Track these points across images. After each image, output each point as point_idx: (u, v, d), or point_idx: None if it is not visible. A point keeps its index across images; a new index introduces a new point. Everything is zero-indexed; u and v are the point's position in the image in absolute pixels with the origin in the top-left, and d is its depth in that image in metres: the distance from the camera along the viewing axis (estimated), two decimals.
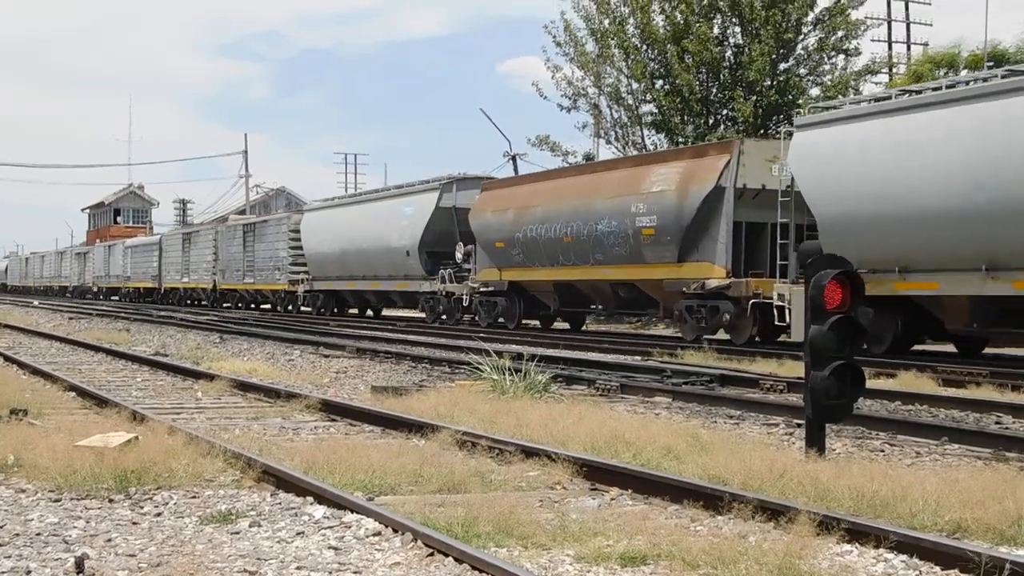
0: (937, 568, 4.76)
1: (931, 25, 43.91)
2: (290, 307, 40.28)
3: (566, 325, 28.93)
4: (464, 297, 28.85)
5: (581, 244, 23.70)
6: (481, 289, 28.13)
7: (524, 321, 28.83)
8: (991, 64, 29.87)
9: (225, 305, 46.92)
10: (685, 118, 34.52)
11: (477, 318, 28.69)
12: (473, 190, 29.71)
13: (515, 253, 26.17)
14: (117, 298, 63.59)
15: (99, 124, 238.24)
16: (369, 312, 38.29)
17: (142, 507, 6.00)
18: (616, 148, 37.02)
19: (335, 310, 37.36)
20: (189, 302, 52.10)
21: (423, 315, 32.26)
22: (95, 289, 69.26)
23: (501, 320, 27.66)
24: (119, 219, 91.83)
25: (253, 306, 45.57)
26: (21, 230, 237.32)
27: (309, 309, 38.27)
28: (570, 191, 24.50)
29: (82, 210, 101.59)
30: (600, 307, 26.71)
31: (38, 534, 5.38)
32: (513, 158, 40.65)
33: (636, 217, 21.93)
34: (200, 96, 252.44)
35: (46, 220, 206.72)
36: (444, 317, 30.22)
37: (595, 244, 23.24)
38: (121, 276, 63.44)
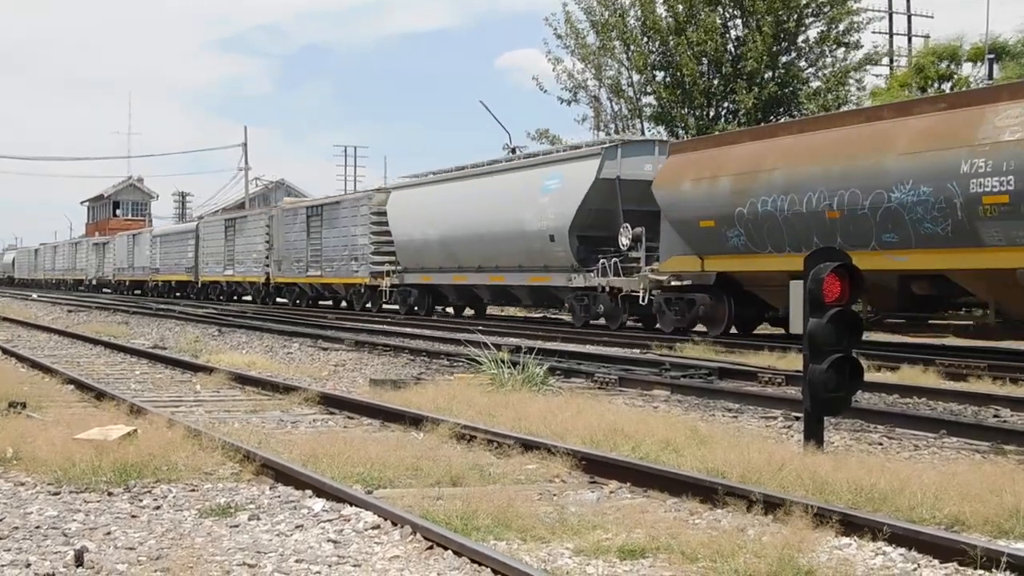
0: (936, 561, 4.77)
1: (932, 17, 44.00)
2: (369, 304, 33.63)
3: (774, 330, 21.53)
4: (640, 294, 22.00)
5: (858, 221, 16.82)
6: (672, 283, 21.33)
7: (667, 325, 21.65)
8: (992, 56, 29.87)
9: (280, 301, 40.75)
10: (687, 110, 34.51)
11: (659, 322, 22.01)
12: (643, 156, 23.72)
13: (732, 235, 19.42)
14: (140, 292, 57.93)
15: (99, 120, 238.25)
16: (469, 312, 32.37)
17: (141, 500, 6.00)
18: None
19: (432, 308, 31.42)
20: (235, 298, 45.56)
21: (560, 316, 26.81)
22: (109, 283, 64.31)
23: (700, 326, 21.06)
24: (118, 212, 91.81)
25: (314, 303, 39.14)
26: (18, 223, 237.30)
27: (396, 307, 32.10)
28: (836, 147, 17.65)
29: (81, 203, 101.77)
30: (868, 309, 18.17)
31: (37, 527, 5.38)
32: (513, 150, 40.62)
33: (971, 180, 15.21)
34: (200, 91, 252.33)
35: (44, 213, 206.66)
36: (605, 320, 23.71)
37: (885, 220, 16.43)
38: (148, 268, 56.61)
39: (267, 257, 41.16)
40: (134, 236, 61.46)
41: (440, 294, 31.14)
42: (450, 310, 32.49)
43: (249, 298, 44.08)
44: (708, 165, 20.44)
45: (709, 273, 20.30)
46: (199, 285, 49.10)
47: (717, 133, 29.52)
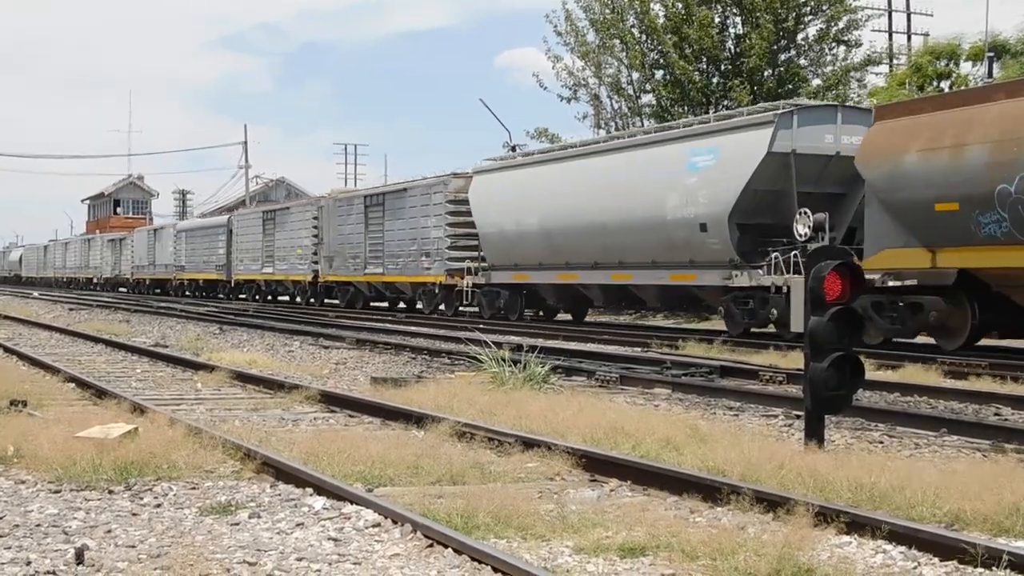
0: (936, 559, 4.77)
1: (932, 15, 43.91)
2: (442, 306, 29.73)
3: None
4: None
5: None
6: (887, 283, 16.58)
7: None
8: (991, 55, 29.86)
9: (329, 302, 36.82)
10: (685, 108, 34.49)
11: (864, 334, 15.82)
12: (822, 125, 19.56)
13: (987, 221, 15.22)
14: (160, 292, 53.98)
15: (100, 119, 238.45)
16: (562, 316, 27.89)
17: (142, 498, 6.01)
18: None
19: (524, 312, 26.61)
20: (270, 298, 41.82)
21: (701, 324, 22.83)
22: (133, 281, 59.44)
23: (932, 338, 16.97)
24: (119, 210, 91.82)
25: (366, 305, 34.63)
26: (19, 221, 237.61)
27: (476, 309, 28.06)
28: None
29: (82, 201, 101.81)
30: None
31: (38, 525, 5.38)
32: (513, 148, 40.51)
33: None
34: (201, 89, 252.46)
35: (44, 211, 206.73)
36: (775, 328, 19.26)
37: None
38: (172, 266, 52.45)
39: (315, 253, 36.76)
40: (155, 231, 56.95)
41: (536, 295, 26.67)
42: (539, 314, 27.90)
43: (287, 299, 40.74)
44: (945, 131, 16.02)
45: (947, 271, 15.83)
46: (232, 284, 45.24)
47: (950, 91, 24.44)
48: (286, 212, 40.63)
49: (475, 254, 27.72)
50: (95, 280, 66.70)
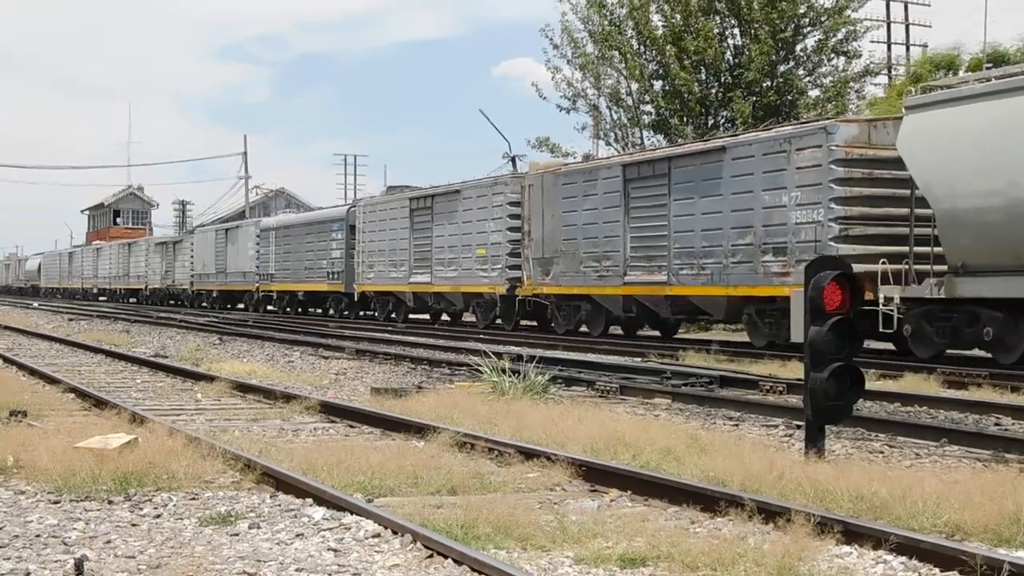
0: (936, 569, 4.77)
1: (930, 27, 43.90)
2: (786, 337, 15.85)
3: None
4: None
5: None
6: None
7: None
8: (990, 65, 29.95)
9: (527, 323, 26.33)
10: (684, 119, 34.53)
11: None
12: None
13: None
14: (230, 306, 44.43)
15: (99, 129, 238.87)
16: None
17: (141, 509, 6.00)
18: (616, 149, 37.06)
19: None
20: (423, 318, 31.33)
21: None
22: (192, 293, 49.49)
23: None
24: (119, 220, 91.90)
25: (575, 328, 24.01)
26: (17, 232, 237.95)
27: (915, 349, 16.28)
28: None
29: (81, 211, 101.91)
30: None
31: (38, 536, 5.38)
32: (512, 159, 40.42)
33: None
34: (200, 99, 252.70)
35: (44, 222, 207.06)
36: None
37: None
38: (253, 274, 41.75)
39: (512, 254, 25.84)
40: (227, 231, 45.86)
41: None
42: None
43: (473, 319, 28.41)
44: None
45: None
46: (354, 298, 34.09)
47: None
48: (453, 198, 28.71)
49: (894, 249, 16.42)
50: (170, 290, 53.89)
